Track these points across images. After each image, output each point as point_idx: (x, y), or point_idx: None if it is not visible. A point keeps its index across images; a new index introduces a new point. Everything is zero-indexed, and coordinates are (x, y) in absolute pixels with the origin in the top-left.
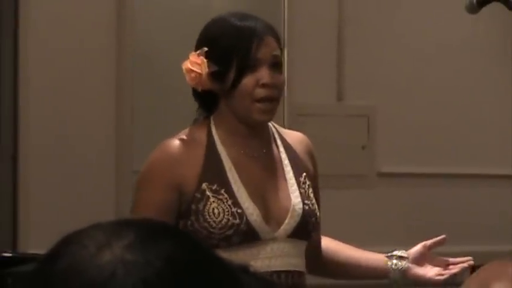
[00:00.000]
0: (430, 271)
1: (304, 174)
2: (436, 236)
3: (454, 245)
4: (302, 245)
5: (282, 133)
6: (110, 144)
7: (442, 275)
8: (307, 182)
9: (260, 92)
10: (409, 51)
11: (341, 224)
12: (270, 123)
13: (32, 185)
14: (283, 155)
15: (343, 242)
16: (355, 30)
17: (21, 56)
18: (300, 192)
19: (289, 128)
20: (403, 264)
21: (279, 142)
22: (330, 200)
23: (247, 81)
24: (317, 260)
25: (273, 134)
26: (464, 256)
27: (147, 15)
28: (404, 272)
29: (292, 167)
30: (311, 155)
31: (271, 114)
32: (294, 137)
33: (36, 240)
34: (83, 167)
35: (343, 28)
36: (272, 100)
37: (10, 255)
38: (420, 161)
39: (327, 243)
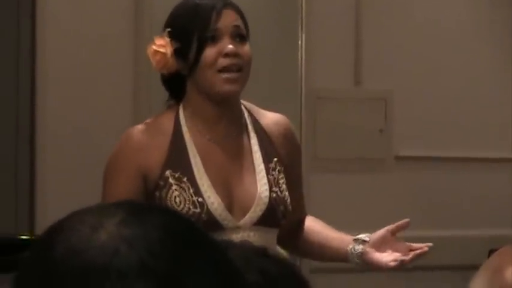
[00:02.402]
0: (386, 256)
1: (275, 159)
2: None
3: (472, 229)
4: (271, 233)
5: (257, 116)
6: (127, 104)
7: (396, 260)
8: (278, 168)
9: (223, 62)
10: (426, 36)
11: (358, 208)
12: (243, 107)
13: (49, 170)
14: (253, 140)
15: (361, 225)
16: (372, 15)
17: (39, 41)
18: (268, 179)
19: (307, 113)
20: (360, 248)
21: (250, 127)
22: (347, 183)
23: (209, 52)
24: (297, 241)
25: (245, 118)
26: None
27: (165, 1)
28: (361, 255)
29: (262, 153)
30: (289, 138)
31: (236, 84)
32: (272, 118)
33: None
34: (100, 153)
35: (360, 12)
36: (237, 70)
37: (27, 238)
38: (437, 145)
39: (308, 223)
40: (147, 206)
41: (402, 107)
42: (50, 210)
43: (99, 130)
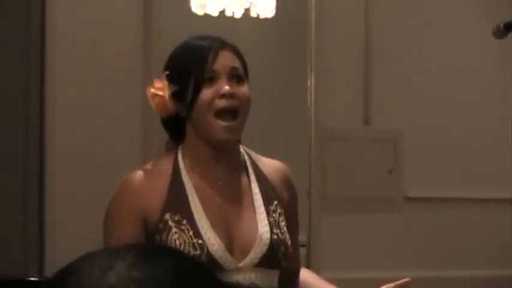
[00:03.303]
0: None
1: (276, 202)
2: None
3: (482, 269)
4: (272, 275)
5: (256, 161)
6: (137, 141)
7: None
8: (279, 211)
9: (219, 103)
10: (435, 76)
11: (368, 248)
12: (243, 150)
13: (58, 177)
14: (254, 184)
15: (371, 265)
16: (381, 56)
17: (48, 43)
18: (269, 221)
19: (316, 153)
20: None
21: (250, 170)
22: (357, 223)
23: (206, 93)
24: None
25: (244, 161)
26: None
27: (174, 9)
28: None
29: (263, 195)
30: (288, 184)
31: (234, 133)
32: (271, 165)
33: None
34: (110, 168)
35: (370, 53)
36: (234, 115)
37: (37, 279)
38: (447, 185)
39: (302, 273)
40: (156, 248)
41: (412, 147)
42: (60, 240)
43: (109, 143)
